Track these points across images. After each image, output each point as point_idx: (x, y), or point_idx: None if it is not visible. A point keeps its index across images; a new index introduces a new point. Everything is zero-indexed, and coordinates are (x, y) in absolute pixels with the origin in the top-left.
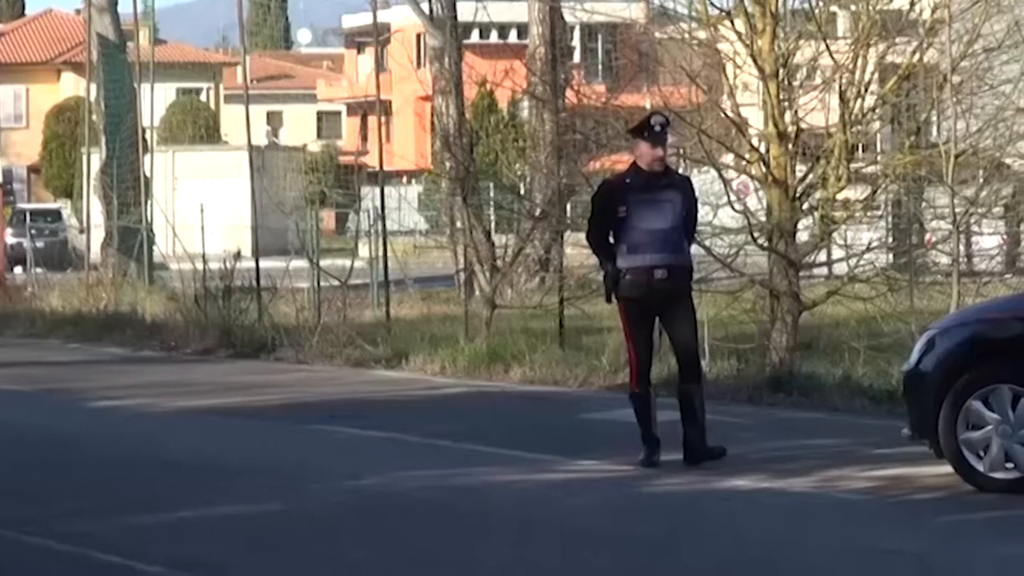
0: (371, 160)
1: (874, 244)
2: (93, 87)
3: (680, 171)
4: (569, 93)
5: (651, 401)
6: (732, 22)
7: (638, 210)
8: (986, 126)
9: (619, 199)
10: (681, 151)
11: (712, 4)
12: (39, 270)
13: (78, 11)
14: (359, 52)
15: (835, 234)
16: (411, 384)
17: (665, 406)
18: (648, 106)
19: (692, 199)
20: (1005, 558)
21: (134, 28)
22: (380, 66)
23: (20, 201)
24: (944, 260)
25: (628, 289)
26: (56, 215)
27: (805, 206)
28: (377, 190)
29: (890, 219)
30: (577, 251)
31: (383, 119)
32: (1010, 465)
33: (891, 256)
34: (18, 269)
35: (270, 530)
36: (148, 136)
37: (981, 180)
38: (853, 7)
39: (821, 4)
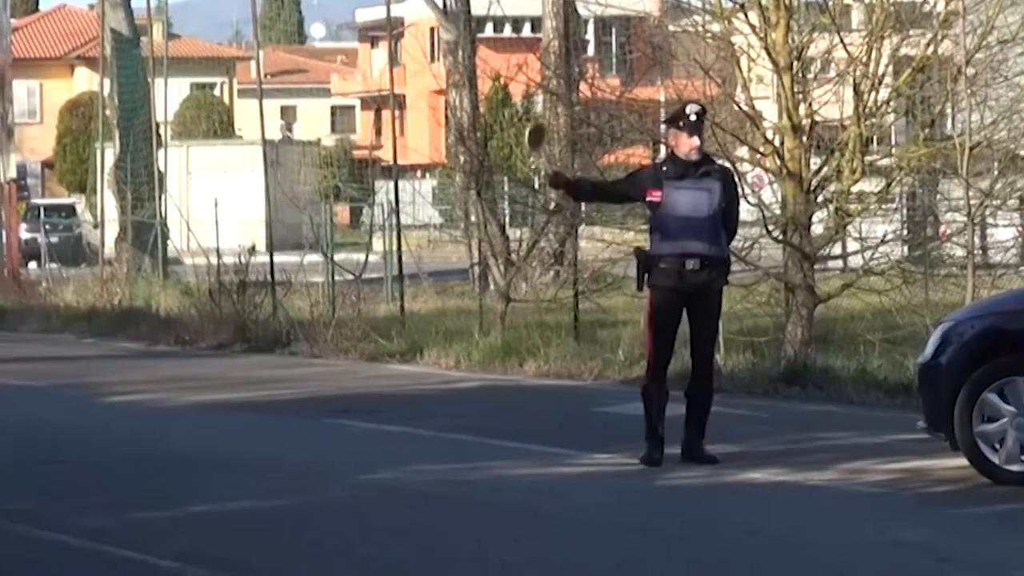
0: (385, 154)
1: (889, 237)
2: (107, 82)
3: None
4: (583, 87)
5: (662, 399)
6: (746, 15)
7: (673, 197)
8: (1001, 118)
9: (654, 183)
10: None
11: None
12: (53, 265)
13: (92, 6)
14: (373, 46)
15: (850, 227)
16: (426, 378)
17: (676, 399)
18: (663, 99)
19: (732, 191)
20: (1021, 550)
21: (147, 23)
22: (394, 60)
23: (34, 196)
24: (959, 252)
25: (659, 277)
26: (70, 210)
27: (820, 199)
28: (391, 184)
29: (905, 212)
30: (592, 244)
31: (397, 113)
32: None
33: (906, 249)
34: (32, 264)
35: (284, 525)
36: (162, 131)
37: (996, 172)
38: None
39: None
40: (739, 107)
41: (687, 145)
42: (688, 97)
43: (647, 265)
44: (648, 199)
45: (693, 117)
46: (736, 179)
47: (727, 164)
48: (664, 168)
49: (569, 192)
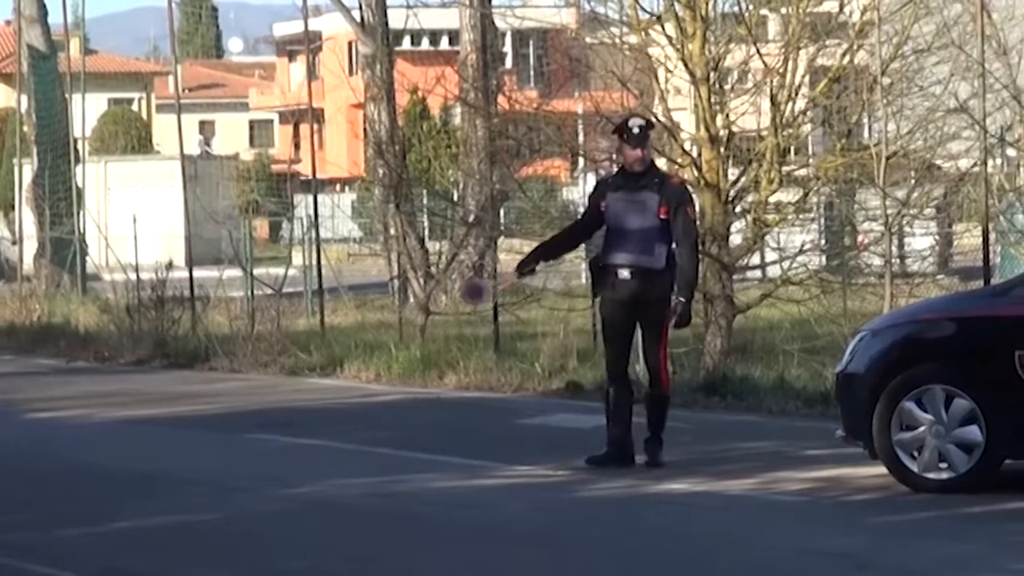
0: (304, 168)
1: (807, 247)
2: (24, 98)
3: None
4: (501, 99)
5: (619, 401)
6: (663, 26)
7: (614, 209)
8: (917, 127)
9: (602, 196)
10: (615, 156)
11: (642, 8)
12: None
13: (8, 22)
14: (291, 60)
15: (768, 237)
16: (346, 392)
17: (592, 408)
18: (580, 111)
19: (674, 201)
20: (939, 558)
21: (64, 38)
22: (312, 74)
23: None
24: (877, 262)
25: (599, 286)
26: None
27: (738, 209)
28: (310, 198)
29: (822, 221)
30: (511, 257)
31: (315, 127)
32: (944, 465)
33: (824, 258)
34: None
35: (206, 539)
36: (80, 146)
37: (912, 181)
38: (783, 10)
39: (751, 7)
40: (657, 118)
41: (629, 157)
42: (606, 109)
43: (594, 273)
44: (600, 211)
45: (636, 130)
46: (678, 189)
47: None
48: (610, 180)
49: (542, 259)
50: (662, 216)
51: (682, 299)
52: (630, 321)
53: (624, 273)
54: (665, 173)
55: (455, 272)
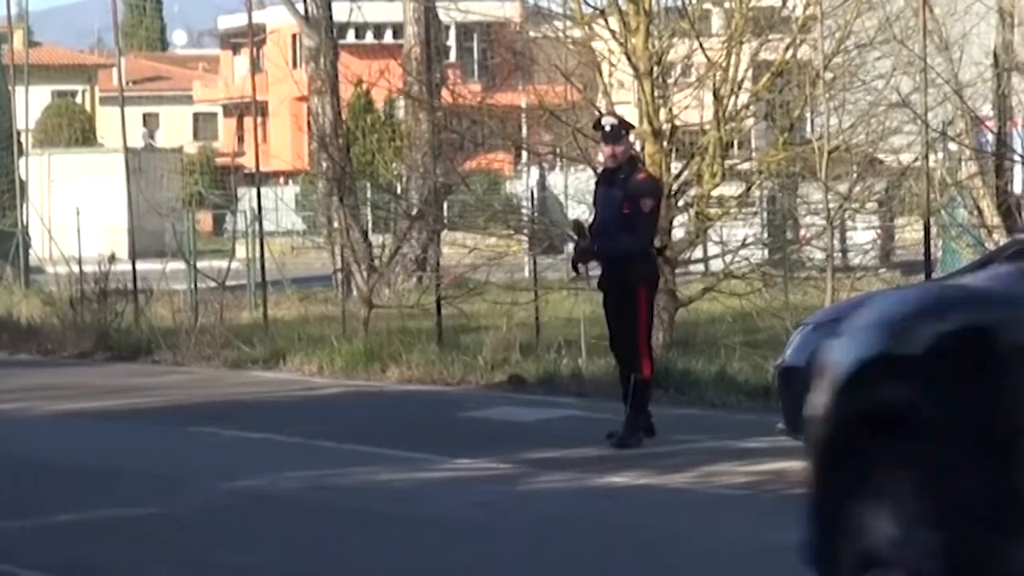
0: (248, 161)
1: (749, 240)
2: None
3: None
4: (444, 92)
5: (621, 379)
6: (606, 20)
7: (595, 203)
8: (859, 122)
9: (594, 192)
10: (558, 150)
11: (586, 3)
12: None
13: None
14: (235, 53)
15: (710, 231)
16: (289, 385)
17: (542, 403)
18: (524, 105)
19: (634, 195)
20: None
21: (8, 30)
22: (256, 67)
23: None
24: (818, 255)
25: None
26: None
27: (680, 203)
28: (254, 191)
29: (765, 215)
30: (454, 250)
31: (259, 120)
32: None
33: (766, 252)
34: None
35: (151, 533)
36: (23, 139)
37: (854, 175)
38: (726, 4)
39: (694, 2)
40: (600, 113)
41: (603, 153)
42: (549, 103)
43: (574, 267)
44: None
45: (607, 128)
46: (640, 183)
47: (588, 169)
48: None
49: None
50: (625, 211)
51: (594, 246)
52: (616, 307)
53: (605, 264)
54: (636, 169)
55: (398, 265)
